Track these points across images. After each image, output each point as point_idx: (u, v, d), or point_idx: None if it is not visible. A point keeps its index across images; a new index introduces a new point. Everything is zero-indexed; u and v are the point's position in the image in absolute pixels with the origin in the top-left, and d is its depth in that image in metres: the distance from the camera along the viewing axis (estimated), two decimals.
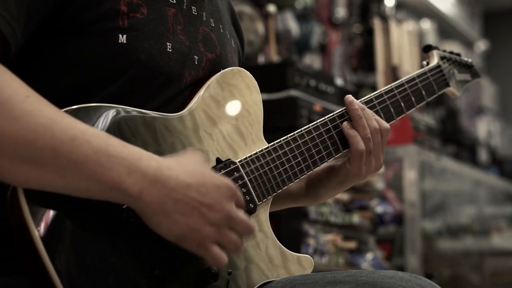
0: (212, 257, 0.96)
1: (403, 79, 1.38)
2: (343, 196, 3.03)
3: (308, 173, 1.23)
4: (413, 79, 1.40)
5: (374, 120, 1.26)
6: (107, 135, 0.94)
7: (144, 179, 0.92)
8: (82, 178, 0.90)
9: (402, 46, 4.61)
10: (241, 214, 0.99)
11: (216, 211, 0.95)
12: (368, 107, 1.29)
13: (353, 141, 1.24)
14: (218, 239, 0.96)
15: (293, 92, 2.80)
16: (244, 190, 1.13)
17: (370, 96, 1.32)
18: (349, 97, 1.27)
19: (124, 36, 1.06)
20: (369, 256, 3.11)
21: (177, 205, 0.93)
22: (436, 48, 1.50)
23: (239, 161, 1.14)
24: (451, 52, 1.54)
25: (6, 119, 0.87)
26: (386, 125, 1.28)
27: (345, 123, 1.26)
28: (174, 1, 1.16)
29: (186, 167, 0.96)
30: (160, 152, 1.05)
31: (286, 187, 1.19)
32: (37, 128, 0.88)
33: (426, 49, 1.50)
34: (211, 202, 0.95)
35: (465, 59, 1.57)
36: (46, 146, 0.88)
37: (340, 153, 1.26)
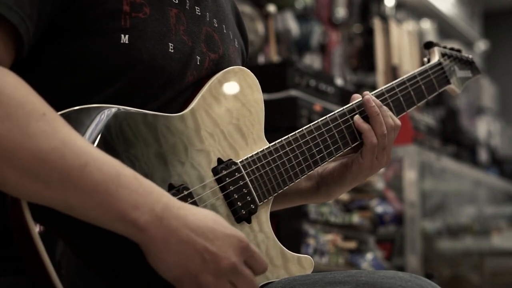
0: None
1: (404, 77, 1.38)
2: (343, 196, 3.03)
3: (309, 173, 1.23)
4: (414, 77, 1.40)
5: (390, 117, 1.28)
6: (121, 164, 0.91)
7: (151, 213, 0.90)
8: (88, 205, 0.88)
9: (402, 46, 4.61)
10: (247, 271, 0.95)
11: (220, 261, 0.92)
12: None
13: (368, 135, 1.26)
14: None
15: (293, 92, 2.80)
16: (245, 191, 1.13)
17: (372, 95, 1.32)
18: (367, 93, 1.29)
19: (127, 36, 1.06)
20: (369, 256, 3.11)
21: (181, 245, 0.91)
22: (437, 44, 1.50)
23: (240, 162, 1.14)
24: (451, 49, 1.53)
25: (21, 136, 0.86)
26: (398, 121, 1.31)
27: (356, 117, 1.28)
28: (177, 1, 1.15)
29: (198, 211, 0.94)
30: (161, 152, 1.04)
31: (287, 187, 1.19)
32: (48, 150, 0.87)
33: (427, 46, 1.50)
34: (216, 251, 0.92)
35: (466, 55, 1.56)
36: (56, 169, 0.87)
37: (341, 152, 1.27)
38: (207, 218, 0.94)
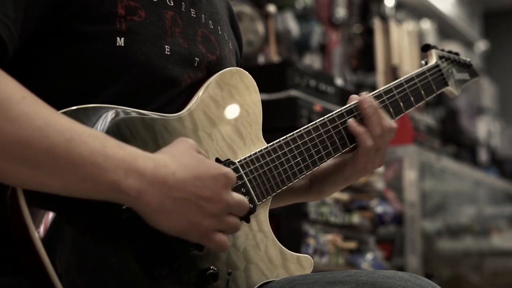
0: (216, 245, 0.98)
1: (402, 78, 1.38)
2: (343, 196, 3.03)
3: (307, 173, 1.23)
4: (412, 78, 1.40)
5: (386, 119, 1.28)
6: (104, 135, 0.93)
7: (142, 180, 0.92)
8: (79, 179, 0.89)
9: (402, 46, 4.61)
10: (237, 197, 1.00)
11: (216, 203, 0.96)
12: None
13: (362, 137, 1.25)
14: (219, 228, 0.98)
15: (293, 92, 2.80)
16: (244, 190, 1.13)
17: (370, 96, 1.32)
18: (363, 95, 1.29)
19: (122, 39, 1.06)
20: (369, 256, 3.11)
21: (176, 203, 0.93)
22: (435, 47, 1.50)
23: (238, 162, 1.14)
24: (449, 52, 1.54)
25: (2, 121, 0.87)
26: (394, 124, 1.30)
27: (351, 120, 1.27)
28: (172, 4, 1.16)
29: (181, 161, 0.96)
30: None
31: (285, 187, 1.19)
32: (32, 130, 0.88)
33: (425, 49, 1.51)
34: (209, 194, 0.96)
35: (464, 58, 1.57)
36: (41, 148, 0.88)
37: (339, 153, 1.27)
38: (191, 166, 0.96)
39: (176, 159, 0.97)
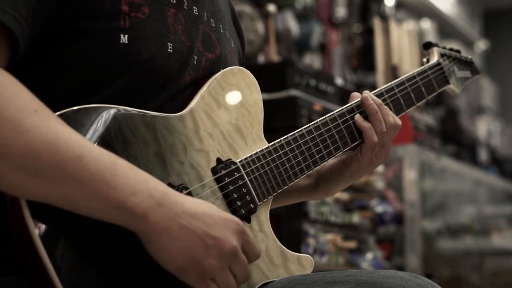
0: None
1: (403, 77, 1.38)
2: (343, 196, 3.03)
3: (308, 172, 1.23)
4: (413, 77, 1.40)
5: (391, 116, 1.29)
6: (115, 155, 0.92)
7: (150, 200, 0.90)
8: (85, 196, 0.88)
9: (402, 46, 4.61)
10: (244, 257, 0.96)
11: (222, 244, 0.93)
12: None
13: (368, 133, 1.27)
14: (217, 276, 0.93)
15: (293, 92, 2.80)
16: (245, 190, 1.13)
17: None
18: (366, 92, 1.29)
19: (126, 36, 1.06)
20: (369, 256, 3.11)
21: (182, 231, 0.91)
22: (436, 45, 1.50)
23: (239, 161, 1.14)
24: (451, 49, 1.54)
25: (13, 132, 0.86)
26: (399, 121, 1.31)
27: (357, 116, 1.28)
28: (175, 1, 1.15)
29: (193, 199, 0.95)
30: (160, 152, 1.04)
31: (286, 187, 1.19)
32: (42, 144, 0.87)
33: (426, 46, 1.51)
34: (217, 235, 0.93)
35: (465, 55, 1.57)
36: (50, 162, 0.87)
37: (340, 152, 1.27)
38: (202, 205, 0.94)
39: (188, 196, 0.95)
